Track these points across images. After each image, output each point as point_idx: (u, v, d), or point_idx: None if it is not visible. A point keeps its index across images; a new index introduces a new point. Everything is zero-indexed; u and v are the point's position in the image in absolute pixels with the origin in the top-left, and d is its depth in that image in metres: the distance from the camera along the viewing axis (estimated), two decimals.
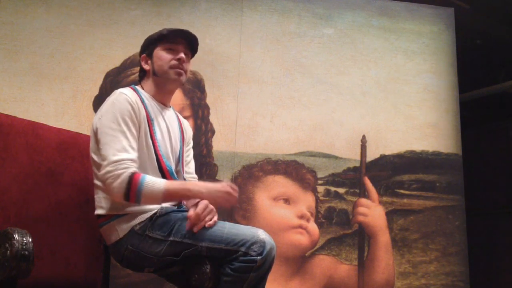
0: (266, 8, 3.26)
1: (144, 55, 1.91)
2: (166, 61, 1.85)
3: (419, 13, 3.44)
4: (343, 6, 3.37)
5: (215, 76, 3.09)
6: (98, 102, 2.91)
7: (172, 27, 1.94)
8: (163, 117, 1.88)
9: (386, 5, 3.41)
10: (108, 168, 1.65)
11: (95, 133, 1.75)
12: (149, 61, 1.89)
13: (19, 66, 2.90)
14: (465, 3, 3.84)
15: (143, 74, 1.92)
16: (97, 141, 1.74)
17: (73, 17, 3.02)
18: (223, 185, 1.71)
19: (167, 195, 1.67)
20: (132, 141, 1.71)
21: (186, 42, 1.91)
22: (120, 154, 1.66)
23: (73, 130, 2.00)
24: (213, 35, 3.12)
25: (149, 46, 1.91)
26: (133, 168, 1.66)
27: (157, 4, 3.13)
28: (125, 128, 1.70)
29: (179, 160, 1.91)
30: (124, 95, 1.76)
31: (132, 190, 1.63)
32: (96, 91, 2.96)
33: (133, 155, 1.69)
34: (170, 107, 1.97)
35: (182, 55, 1.86)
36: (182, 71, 1.86)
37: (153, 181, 1.66)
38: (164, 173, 1.80)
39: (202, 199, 1.69)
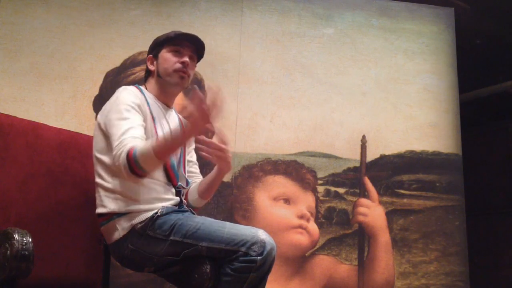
0: (266, 8, 3.26)
1: (151, 56, 1.93)
2: (170, 63, 1.87)
3: (419, 13, 3.44)
4: (343, 6, 3.37)
5: (215, 76, 3.09)
6: (98, 102, 2.91)
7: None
8: (165, 117, 1.90)
9: (386, 5, 3.41)
10: (113, 153, 1.65)
11: (101, 130, 1.76)
12: (155, 62, 1.91)
13: (19, 66, 2.90)
14: (465, 3, 3.84)
15: (147, 74, 1.94)
16: (104, 137, 1.75)
17: (73, 17, 3.02)
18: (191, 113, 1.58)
19: (158, 152, 1.60)
20: (136, 123, 1.70)
21: (193, 46, 1.92)
22: (122, 137, 1.66)
23: (73, 130, 2.00)
24: (213, 35, 3.12)
25: (155, 48, 1.92)
26: (131, 143, 1.63)
27: (157, 4, 3.13)
28: (127, 115, 1.71)
29: (180, 161, 1.91)
30: (127, 90, 1.79)
31: (133, 166, 1.60)
32: (96, 91, 2.96)
33: (134, 133, 1.66)
34: (172, 108, 1.98)
35: (186, 58, 1.87)
36: (185, 75, 1.87)
37: (143, 148, 1.61)
38: (166, 168, 1.80)
39: (181, 136, 1.62)
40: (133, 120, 1.71)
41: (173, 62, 1.86)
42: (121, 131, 1.67)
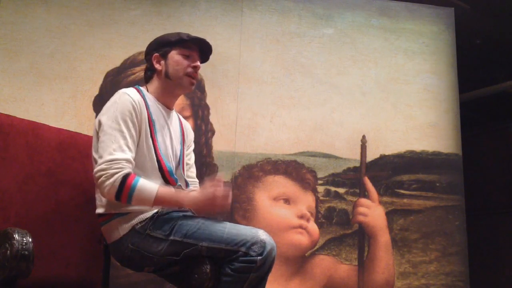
0: (266, 8, 3.26)
1: (157, 54, 1.87)
2: (183, 66, 1.85)
3: (419, 13, 3.44)
4: (343, 6, 3.37)
5: (215, 76, 3.09)
6: (98, 102, 2.91)
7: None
8: (165, 119, 1.88)
9: (386, 5, 3.41)
10: (103, 166, 1.65)
11: (97, 132, 1.75)
12: (162, 62, 1.87)
13: (19, 66, 2.90)
14: (465, 3, 3.84)
15: (151, 73, 1.90)
16: (98, 139, 1.74)
17: (73, 17, 3.02)
18: (210, 195, 1.65)
19: (158, 202, 1.67)
20: (130, 141, 1.71)
21: (201, 51, 1.92)
22: (116, 154, 1.66)
23: (73, 130, 2.00)
24: (213, 35, 3.11)
25: (163, 47, 1.87)
26: (127, 169, 1.65)
27: (157, 4, 3.13)
28: (124, 128, 1.70)
29: (180, 162, 1.91)
30: (126, 95, 1.76)
31: (124, 192, 1.63)
32: (96, 91, 2.96)
33: (129, 155, 1.68)
34: (173, 109, 1.97)
35: (198, 63, 1.88)
36: (195, 79, 1.88)
37: (146, 186, 1.65)
38: (164, 173, 1.80)
39: (181, 204, 1.72)
40: (126, 134, 1.70)
41: (186, 66, 1.85)
42: (113, 146, 1.67)
